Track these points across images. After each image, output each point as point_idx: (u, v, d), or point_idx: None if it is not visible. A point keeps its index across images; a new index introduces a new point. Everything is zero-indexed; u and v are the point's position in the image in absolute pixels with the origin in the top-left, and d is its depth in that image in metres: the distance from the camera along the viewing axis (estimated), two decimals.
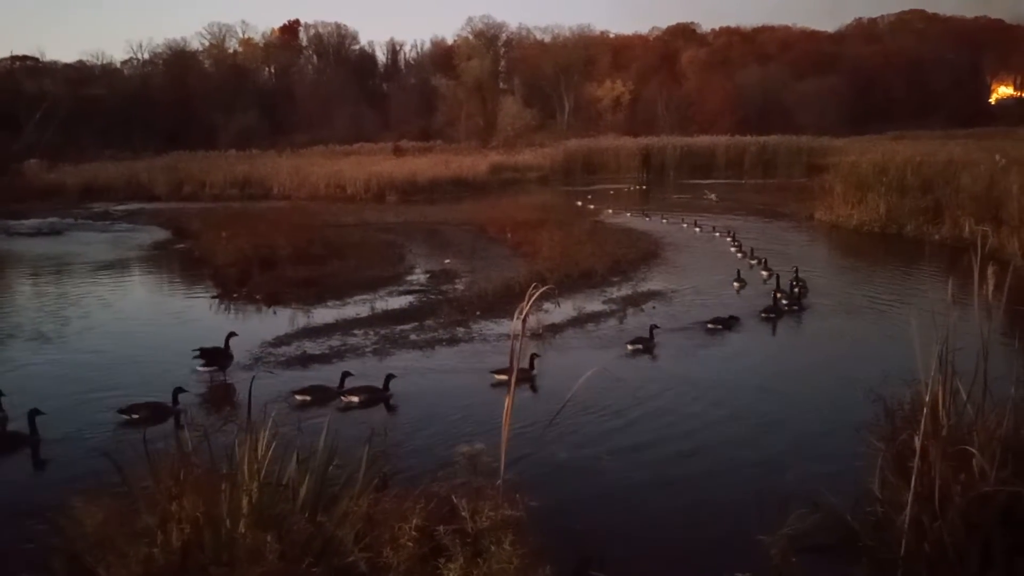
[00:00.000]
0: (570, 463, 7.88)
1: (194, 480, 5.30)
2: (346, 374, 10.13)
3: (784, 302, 14.78)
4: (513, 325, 4.16)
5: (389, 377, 10.08)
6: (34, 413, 8.71)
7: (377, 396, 9.97)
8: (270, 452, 5.23)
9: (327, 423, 5.41)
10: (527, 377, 10.63)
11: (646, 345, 11.91)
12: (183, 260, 22.49)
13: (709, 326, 13.32)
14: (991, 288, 6.05)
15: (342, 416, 9.30)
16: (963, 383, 6.03)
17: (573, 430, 8.66)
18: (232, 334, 11.35)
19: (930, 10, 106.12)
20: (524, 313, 4.67)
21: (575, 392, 5.09)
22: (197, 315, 15.37)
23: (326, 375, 10.68)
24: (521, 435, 7.02)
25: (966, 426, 5.86)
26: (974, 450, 5.47)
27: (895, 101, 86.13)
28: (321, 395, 9.90)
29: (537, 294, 4.80)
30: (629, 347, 11.88)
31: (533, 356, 10.93)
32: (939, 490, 5.54)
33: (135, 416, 9.13)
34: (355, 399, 9.85)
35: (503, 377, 10.27)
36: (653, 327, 12.29)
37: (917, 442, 5.70)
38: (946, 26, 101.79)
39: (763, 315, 13.92)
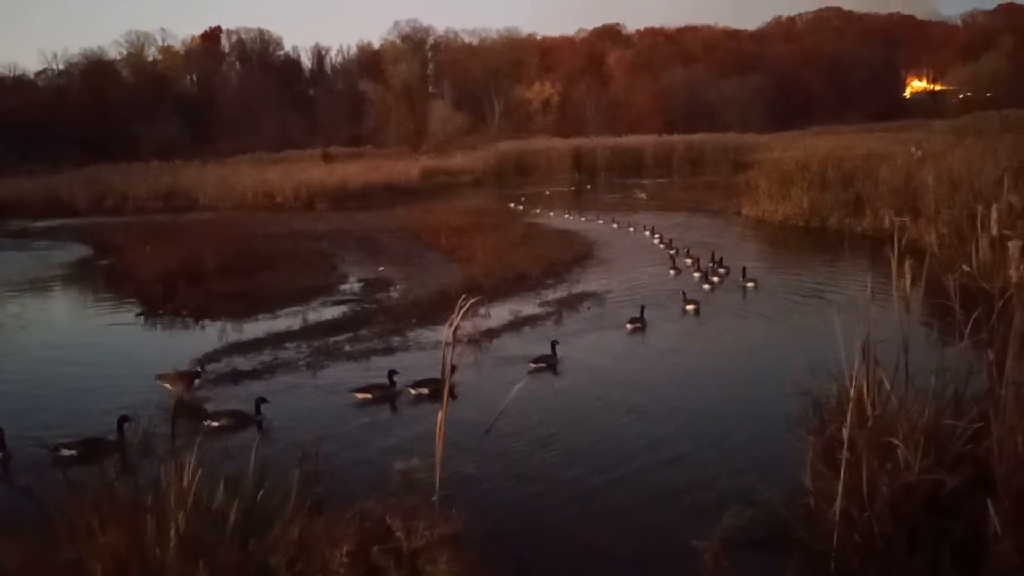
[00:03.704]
0: (504, 476, 7.79)
1: (118, 512, 5.12)
2: (260, 400, 9.69)
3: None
4: (444, 337, 4.09)
5: (260, 401, 9.63)
6: None
7: (247, 420, 9.54)
8: (197, 478, 5.07)
9: (255, 446, 5.25)
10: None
11: (549, 363, 11.46)
12: (106, 277, 21.74)
13: (628, 326, 13.47)
14: (909, 281, 6.22)
15: (273, 438, 9.03)
16: (886, 375, 6.18)
17: (506, 442, 8.52)
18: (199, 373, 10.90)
19: (846, 8, 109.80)
20: (454, 326, 4.62)
21: (507, 404, 5.06)
22: (121, 334, 14.86)
23: (259, 391, 10.40)
24: (456, 449, 6.93)
25: (891, 417, 6.00)
26: (898, 441, 5.61)
27: (815, 97, 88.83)
28: (239, 420, 9.58)
29: (466, 307, 4.75)
30: (532, 366, 11.32)
31: (453, 367, 10.70)
32: (867, 481, 5.67)
33: (71, 452, 8.42)
34: (219, 423, 9.40)
35: (366, 396, 10.22)
36: (554, 343, 11.79)
37: (845, 434, 5.83)
38: (861, 23, 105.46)
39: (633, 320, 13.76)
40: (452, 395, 10.22)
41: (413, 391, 10.30)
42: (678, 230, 24.63)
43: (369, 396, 10.22)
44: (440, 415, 4.70)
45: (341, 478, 6.87)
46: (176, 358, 11.83)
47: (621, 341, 13.03)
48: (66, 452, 8.41)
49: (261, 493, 5.14)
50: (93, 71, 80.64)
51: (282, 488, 5.19)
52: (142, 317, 15.95)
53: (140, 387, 10.72)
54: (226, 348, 12.84)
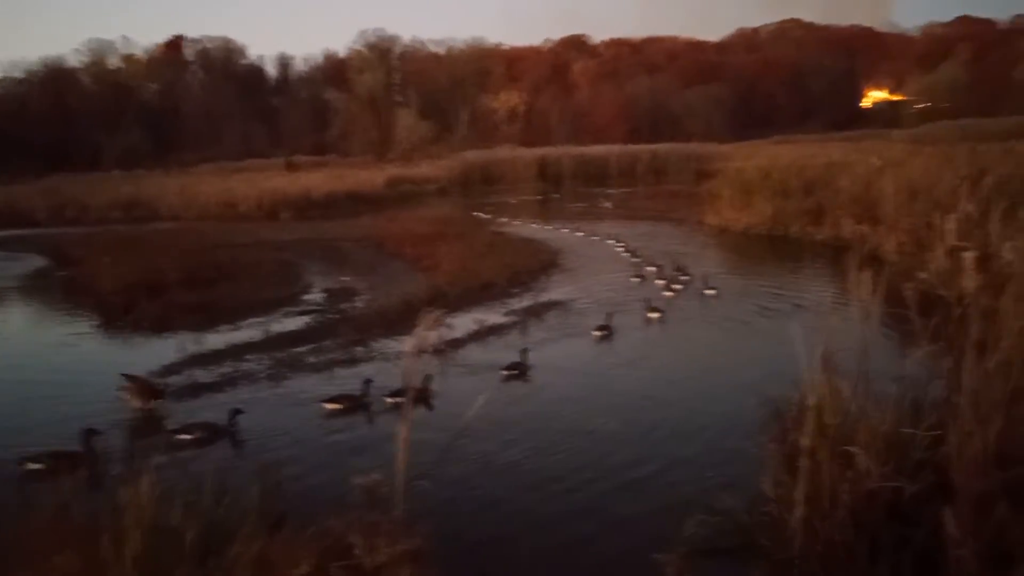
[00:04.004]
0: (468, 489, 7.71)
1: (72, 532, 4.99)
2: (235, 411, 9.49)
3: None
4: (408, 348, 4.05)
5: (234, 412, 9.43)
6: None
7: (220, 433, 9.32)
8: (155, 495, 4.96)
9: (215, 462, 5.15)
10: (423, 398, 10.42)
11: (520, 369, 11.48)
12: (65, 289, 21.29)
13: (596, 333, 13.52)
14: (869, 289, 6.31)
15: (234, 453, 8.87)
16: (847, 382, 6.24)
17: (470, 454, 8.39)
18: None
19: (807, 19, 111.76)
20: (418, 339, 4.58)
21: (471, 417, 5.02)
22: (80, 347, 14.55)
23: (221, 403, 10.24)
24: (420, 462, 6.84)
25: (851, 424, 6.06)
26: (858, 449, 5.66)
27: (776, 107, 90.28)
28: (212, 433, 9.34)
29: (430, 320, 4.72)
30: (504, 372, 11.36)
31: (429, 376, 10.72)
32: (828, 489, 5.72)
33: (40, 466, 8.15)
34: (192, 436, 9.17)
35: (335, 406, 10.10)
36: (525, 350, 11.84)
37: (806, 442, 5.88)
38: (822, 34, 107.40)
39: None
40: (428, 404, 10.29)
41: (389, 400, 10.11)
42: (643, 239, 24.77)
43: (339, 407, 10.07)
44: (403, 429, 4.65)
45: (302, 493, 6.76)
46: (136, 371, 11.58)
47: (587, 350, 13.03)
48: (33, 466, 8.17)
49: (220, 510, 5.04)
50: (53, 79, 79.25)
51: (241, 504, 5.09)
52: (101, 329, 15.65)
53: (98, 400, 10.50)
54: (187, 360, 12.61)
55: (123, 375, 10.43)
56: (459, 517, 7.04)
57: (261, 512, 5.02)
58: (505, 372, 11.37)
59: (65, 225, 37.37)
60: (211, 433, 9.27)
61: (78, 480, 7.47)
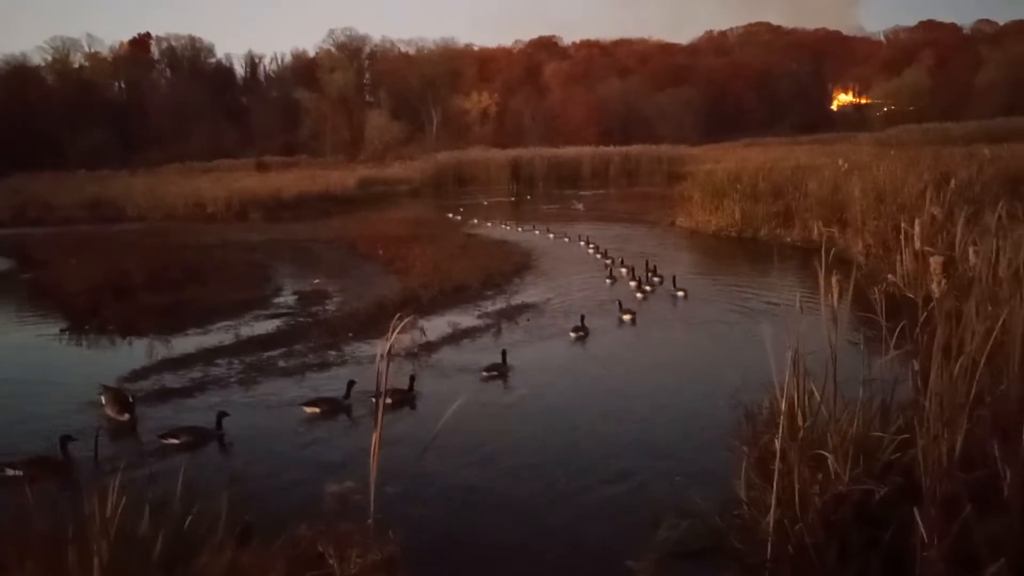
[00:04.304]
0: (441, 496, 7.65)
1: (37, 543, 4.89)
2: (222, 413, 9.41)
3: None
4: (378, 358, 4.01)
5: (221, 415, 9.37)
6: None
7: (207, 436, 9.23)
8: (122, 504, 4.87)
9: (183, 469, 5.07)
10: (408, 399, 10.45)
11: (500, 371, 11.57)
12: (27, 291, 20.86)
13: (572, 334, 13.61)
14: (837, 293, 6.37)
15: (201, 460, 8.67)
16: (816, 386, 6.30)
17: (443, 460, 8.26)
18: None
19: (775, 23, 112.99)
20: (390, 343, 4.54)
21: (444, 423, 5.00)
22: (44, 351, 14.28)
23: (190, 408, 10.11)
24: (392, 469, 6.78)
25: (821, 428, 6.12)
26: (828, 453, 5.72)
27: (745, 109, 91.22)
28: (199, 436, 9.22)
29: (402, 325, 4.69)
30: (484, 374, 11.48)
31: (413, 377, 10.76)
32: (799, 492, 5.77)
33: (17, 472, 8.02)
34: (179, 440, 9.04)
35: (313, 410, 10.01)
36: (504, 351, 11.89)
37: (777, 445, 5.92)
38: (790, 38, 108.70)
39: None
40: (412, 405, 10.27)
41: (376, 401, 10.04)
42: (616, 241, 24.87)
43: (318, 411, 9.94)
44: (375, 436, 4.62)
45: (272, 501, 6.67)
46: (102, 375, 11.41)
47: (561, 353, 13.04)
48: (11, 472, 8.06)
49: (189, 519, 4.96)
50: (15, 77, 77.66)
51: (210, 513, 5.01)
52: (66, 333, 15.38)
53: (63, 406, 10.34)
54: (155, 365, 12.43)
55: (102, 385, 10.24)
56: (431, 525, 6.99)
57: (230, 521, 4.94)
58: (485, 373, 11.46)
59: (28, 225, 36.71)
60: (198, 437, 9.17)
61: (53, 487, 7.38)
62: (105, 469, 7.64)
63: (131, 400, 9.98)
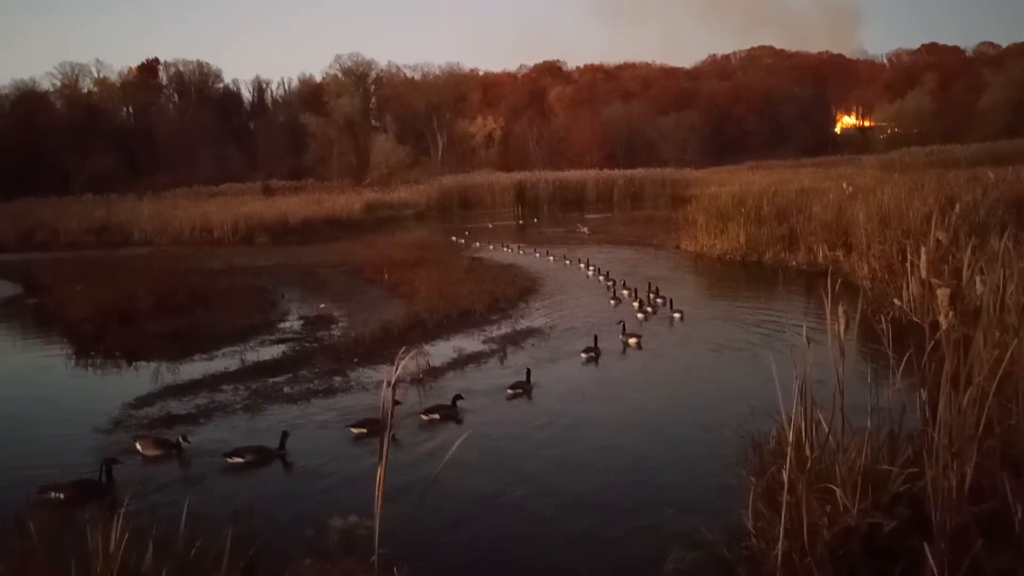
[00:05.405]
0: (447, 530, 7.56)
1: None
2: (286, 433, 9.66)
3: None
4: (384, 389, 3.98)
5: (285, 434, 9.64)
6: None
7: (270, 455, 9.46)
8: (125, 540, 4.84)
9: (186, 504, 5.04)
10: (453, 415, 10.76)
11: (524, 388, 12.01)
12: (34, 316, 20.97)
13: (583, 355, 13.77)
14: (843, 322, 6.33)
15: (206, 490, 8.63)
16: (824, 415, 6.25)
17: (450, 493, 8.17)
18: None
19: (778, 46, 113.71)
20: (394, 376, 4.51)
21: (451, 454, 4.95)
22: (50, 377, 14.29)
23: (194, 436, 10.06)
24: (398, 502, 6.71)
25: (829, 458, 6.08)
26: (836, 486, 5.67)
27: (749, 132, 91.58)
28: (262, 456, 9.39)
29: (405, 359, 4.67)
30: (509, 391, 11.92)
31: (456, 397, 11.05)
32: (807, 524, 5.71)
33: (59, 495, 8.20)
34: (243, 459, 9.26)
35: (361, 430, 10.12)
36: (528, 370, 12.38)
37: (785, 476, 5.87)
38: (793, 61, 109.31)
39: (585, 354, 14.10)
40: (457, 420, 10.60)
41: (425, 417, 10.56)
42: (622, 265, 24.77)
43: (365, 431, 10.06)
44: (380, 470, 4.59)
45: (277, 536, 6.61)
46: (108, 402, 11.45)
47: (569, 377, 12.98)
48: (54, 495, 8.22)
49: (192, 554, 4.93)
50: (24, 102, 78.47)
51: (214, 549, 4.98)
52: (72, 359, 15.39)
53: (70, 432, 10.34)
54: (160, 391, 12.43)
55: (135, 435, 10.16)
56: (437, 560, 6.93)
57: (233, 557, 4.89)
58: (510, 390, 11.93)
59: (34, 250, 36.95)
60: (262, 456, 9.34)
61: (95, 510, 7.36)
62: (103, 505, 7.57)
63: (179, 440, 9.81)
